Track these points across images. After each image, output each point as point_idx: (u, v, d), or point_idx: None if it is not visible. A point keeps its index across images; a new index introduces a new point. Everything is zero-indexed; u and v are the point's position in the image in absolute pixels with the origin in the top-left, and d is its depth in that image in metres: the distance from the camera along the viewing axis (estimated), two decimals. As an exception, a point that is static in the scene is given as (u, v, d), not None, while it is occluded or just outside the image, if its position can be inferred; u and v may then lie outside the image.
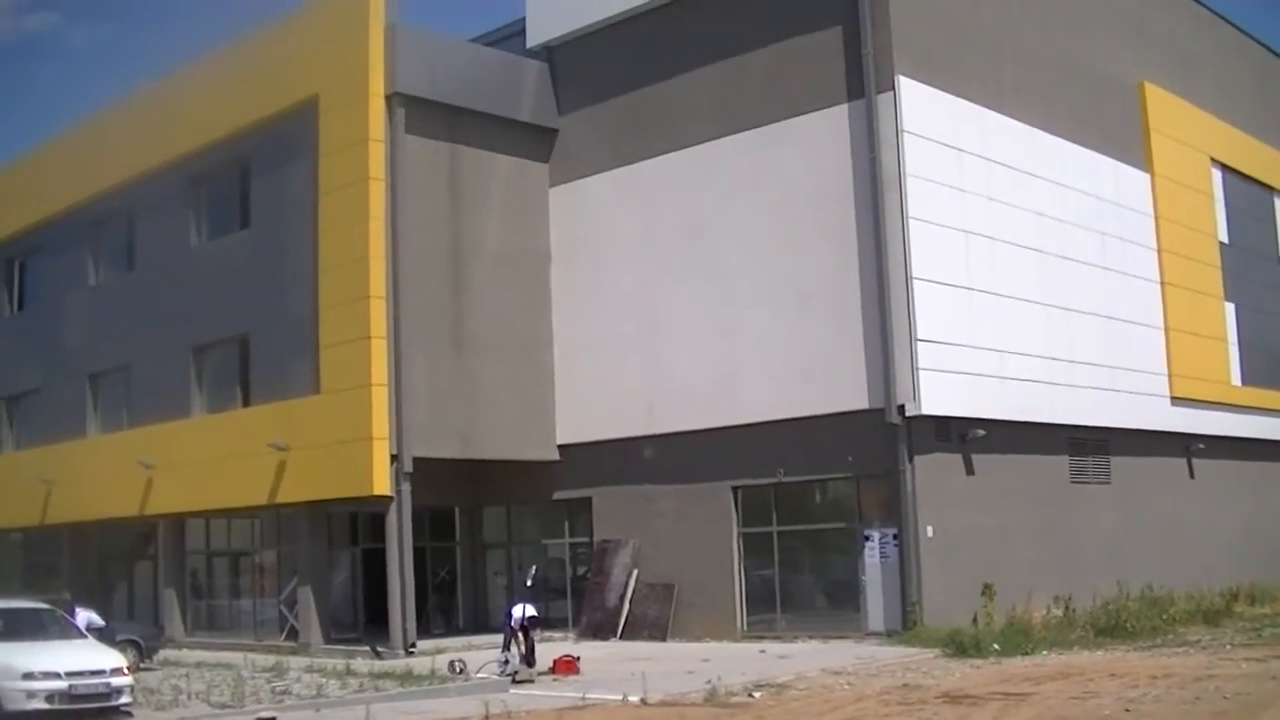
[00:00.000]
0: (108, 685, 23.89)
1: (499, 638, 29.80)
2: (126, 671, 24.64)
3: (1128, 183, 42.01)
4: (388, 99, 35.85)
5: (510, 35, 41.56)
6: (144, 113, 43.49)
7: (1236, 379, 46.50)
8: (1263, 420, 46.96)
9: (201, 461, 39.20)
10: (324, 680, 28.66)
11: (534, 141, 39.69)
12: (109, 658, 24.79)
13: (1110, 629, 32.64)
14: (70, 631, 26.68)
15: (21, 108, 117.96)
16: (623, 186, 38.43)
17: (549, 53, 40.40)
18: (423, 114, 36.54)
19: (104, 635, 29.14)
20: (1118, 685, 23.00)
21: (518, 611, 28.75)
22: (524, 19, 40.97)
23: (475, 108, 38.08)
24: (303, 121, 37.30)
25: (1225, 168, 47.98)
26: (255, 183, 39.64)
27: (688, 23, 37.45)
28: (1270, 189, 51.50)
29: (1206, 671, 24.37)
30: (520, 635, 28.51)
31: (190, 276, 41.38)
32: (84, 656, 24.54)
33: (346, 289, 35.56)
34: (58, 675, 23.51)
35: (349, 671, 30.00)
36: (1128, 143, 42.33)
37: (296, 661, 32.70)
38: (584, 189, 39.23)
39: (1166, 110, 44.21)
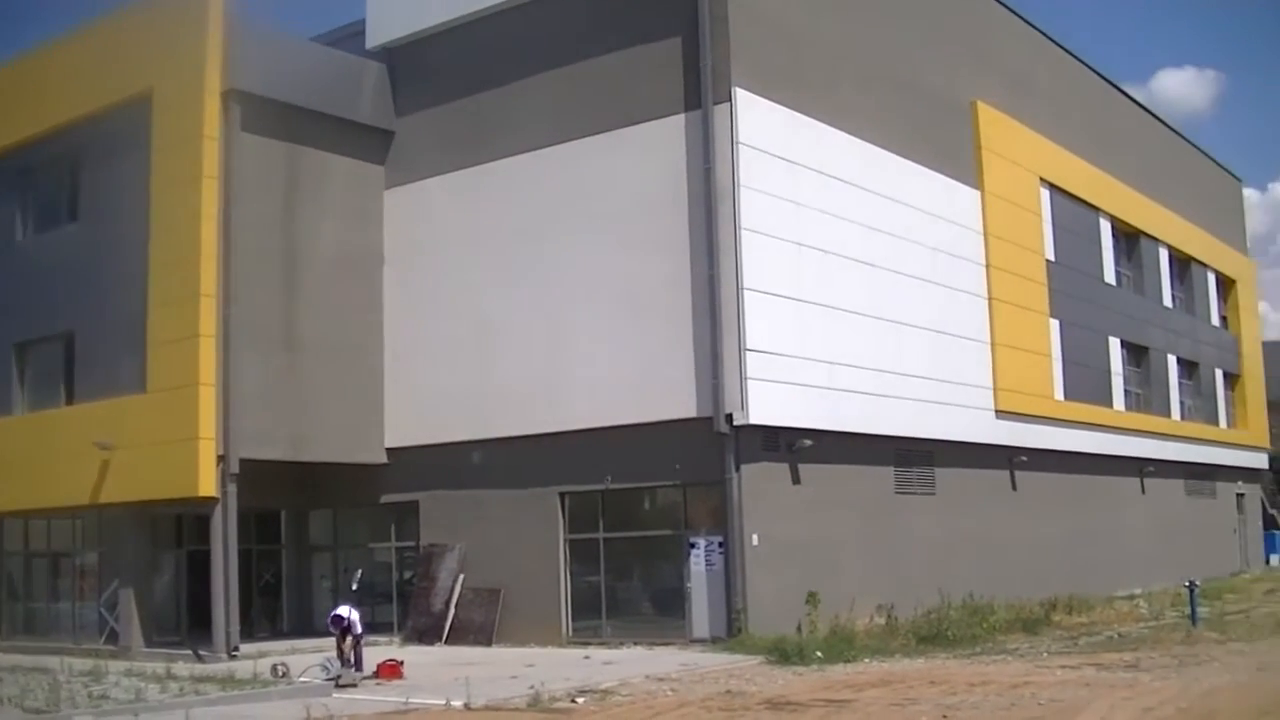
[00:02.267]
0: (-86, 691, 23.41)
1: (324, 641, 29.59)
2: (-64, 676, 24.16)
3: (959, 199, 42.72)
4: (224, 96, 35.39)
5: (350, 35, 41.13)
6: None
7: (1059, 394, 47.45)
8: (1083, 434, 48.01)
9: (22, 460, 38.44)
10: (144, 684, 28.15)
11: (371, 143, 39.48)
12: (-82, 661, 24.27)
13: (932, 637, 33.10)
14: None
15: None
16: (458, 191, 38.29)
17: (388, 54, 40.15)
18: (259, 112, 36.13)
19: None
20: (937, 692, 23.33)
21: (342, 612, 28.63)
22: (364, 20, 40.70)
23: (313, 107, 37.76)
24: (137, 116, 36.67)
25: (1054, 187, 48.99)
26: (86, 177, 38.95)
27: (527, 28, 37.44)
28: (1096, 209, 52.66)
29: (1024, 679, 24.79)
30: (346, 639, 28.38)
31: (15, 271, 40.55)
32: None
33: (177, 287, 35.06)
34: None
35: (170, 675, 29.48)
36: (960, 160, 43.05)
37: (116, 665, 32.10)
38: (420, 192, 39.05)
39: (998, 129, 45.03)
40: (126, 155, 37.19)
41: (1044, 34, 50.20)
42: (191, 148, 35.29)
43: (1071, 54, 52.73)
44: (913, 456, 39.06)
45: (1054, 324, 47.69)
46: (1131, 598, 44.66)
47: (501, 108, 37.72)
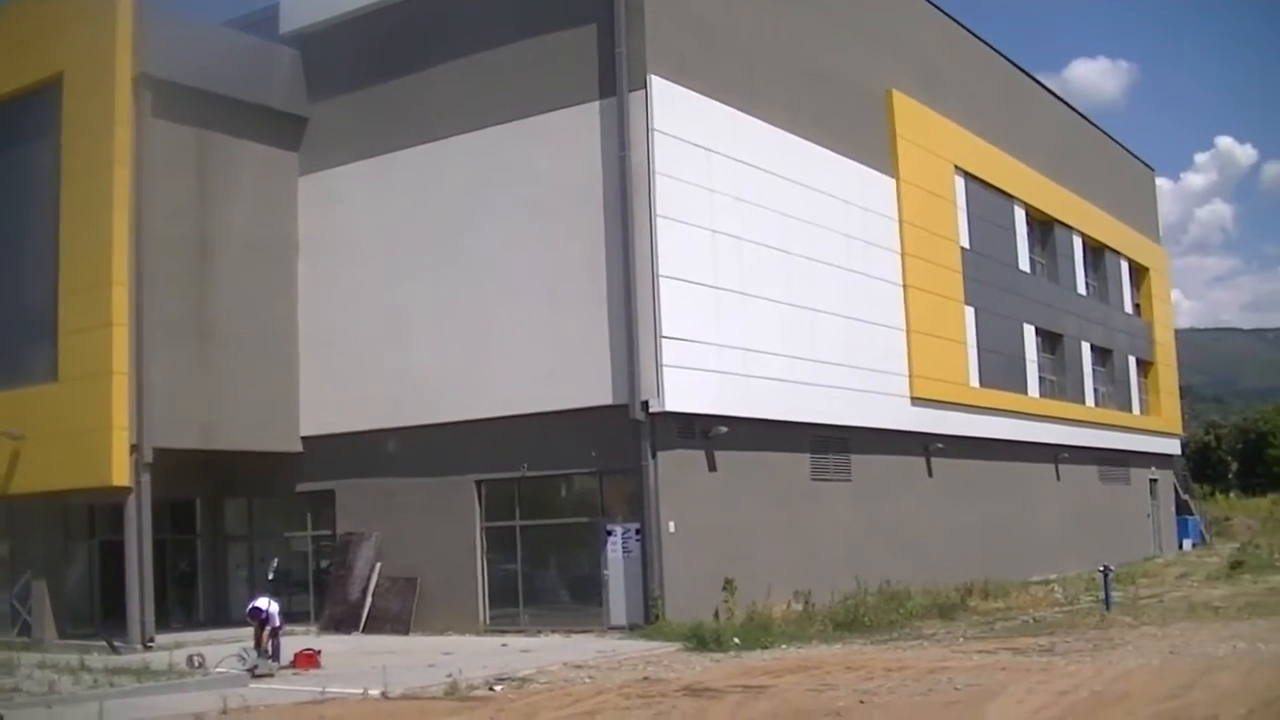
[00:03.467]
0: None
1: (240, 631, 29.40)
2: None
3: (873, 187, 42.91)
4: (134, 81, 34.97)
5: (263, 20, 40.86)
6: None
7: (974, 381, 47.80)
8: (998, 421, 48.42)
9: (-71, 450, 37.90)
10: (57, 676, 27.80)
11: (284, 129, 39.20)
12: None
13: (848, 623, 33.34)
14: None
15: None
16: (372, 178, 38.11)
17: (302, 40, 39.85)
18: (170, 97, 35.73)
19: None
20: (854, 678, 23.49)
21: (261, 604, 28.47)
22: (277, 5, 40.39)
23: (225, 93, 37.39)
24: (46, 101, 36.27)
25: (968, 175, 49.34)
26: (-7, 162, 38.46)
27: (441, 15, 37.31)
28: (1011, 197, 53.06)
29: (940, 664, 25.02)
30: (264, 630, 28.24)
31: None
32: None
33: (88, 275, 34.69)
34: None
35: (84, 667, 29.16)
36: (875, 148, 43.26)
37: (28, 658, 31.67)
38: (333, 179, 38.81)
39: (912, 118, 45.28)
40: (36, 140, 36.74)
41: (959, 23, 50.53)
42: (102, 133, 34.88)
43: (986, 43, 53.13)
44: (828, 443, 39.22)
45: (969, 311, 48.04)
46: (1046, 583, 45.02)
47: (416, 94, 37.55)
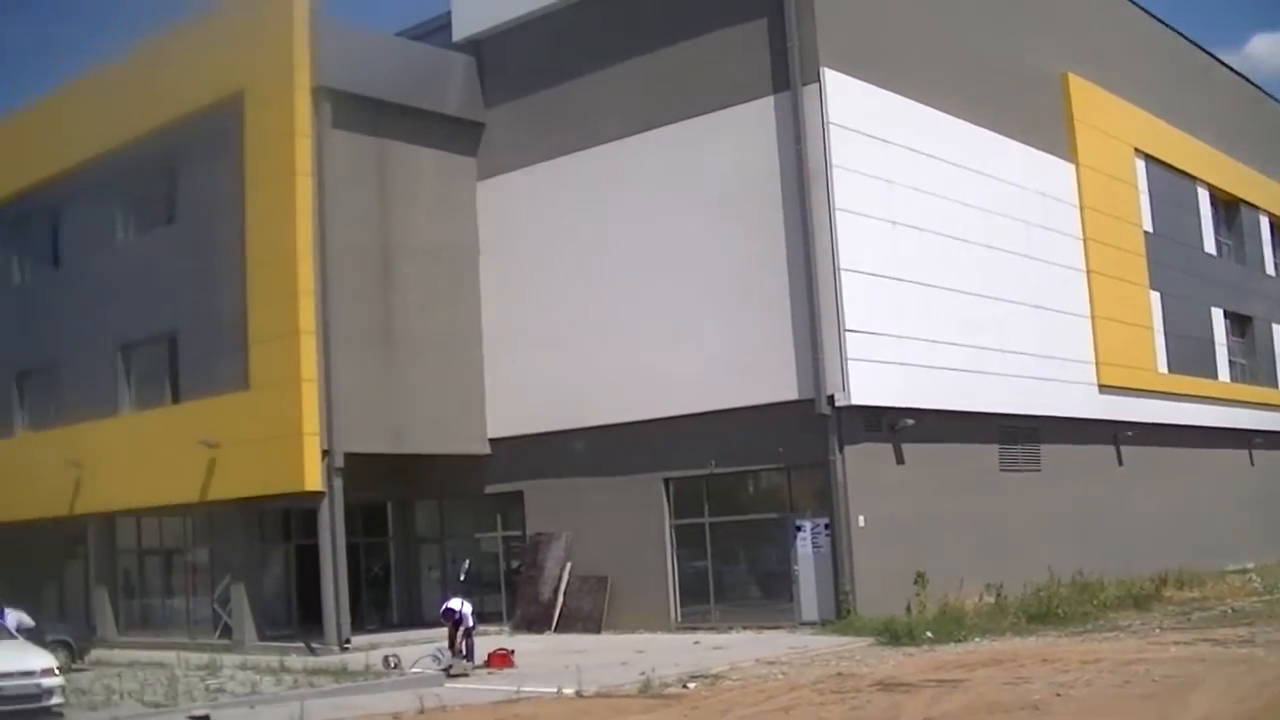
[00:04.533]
0: (38, 686, 23.72)
1: (433, 632, 29.73)
2: (57, 672, 24.50)
3: (1052, 173, 42.35)
4: (314, 93, 35.67)
5: (436, 29, 41.37)
6: (69, 108, 43.07)
7: (1162, 366, 46.96)
8: (1188, 407, 47.45)
9: (131, 459, 38.88)
10: (258, 677, 28.54)
11: (461, 135, 39.65)
12: (39, 658, 24.59)
13: (1041, 615, 32.90)
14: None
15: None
16: (550, 180, 38.37)
17: (475, 46, 40.32)
18: (349, 108, 36.42)
19: (34, 636, 28.91)
20: (1049, 670, 23.22)
21: (454, 604, 28.77)
22: (449, 13, 40.87)
23: (402, 102, 38.01)
24: (229, 116, 37.06)
25: (1148, 157, 48.45)
26: (182, 178, 39.37)
27: (613, 16, 37.53)
28: (1193, 178, 52.02)
29: (1136, 656, 24.65)
30: (457, 630, 28.55)
31: (117, 273, 41.02)
32: (14, 657, 24.33)
33: (275, 285, 35.39)
34: (-13, 677, 23.38)
35: (283, 668, 29.84)
36: (1052, 133, 42.68)
37: (230, 659, 32.51)
38: (512, 182, 39.17)
39: (1090, 101, 44.59)
40: (221, 155, 37.52)
41: (1134, 2, 49.61)
42: (284, 146, 35.58)
43: (1163, 22, 52.02)
44: (1016, 433, 38.77)
45: (1154, 296, 47.18)
46: (1243, 572, 44.13)
47: (589, 96, 37.77)
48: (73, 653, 32.67)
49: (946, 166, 37.07)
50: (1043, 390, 39.56)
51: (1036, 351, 39.55)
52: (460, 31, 40.46)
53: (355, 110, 36.65)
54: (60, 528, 43.81)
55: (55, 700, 23.99)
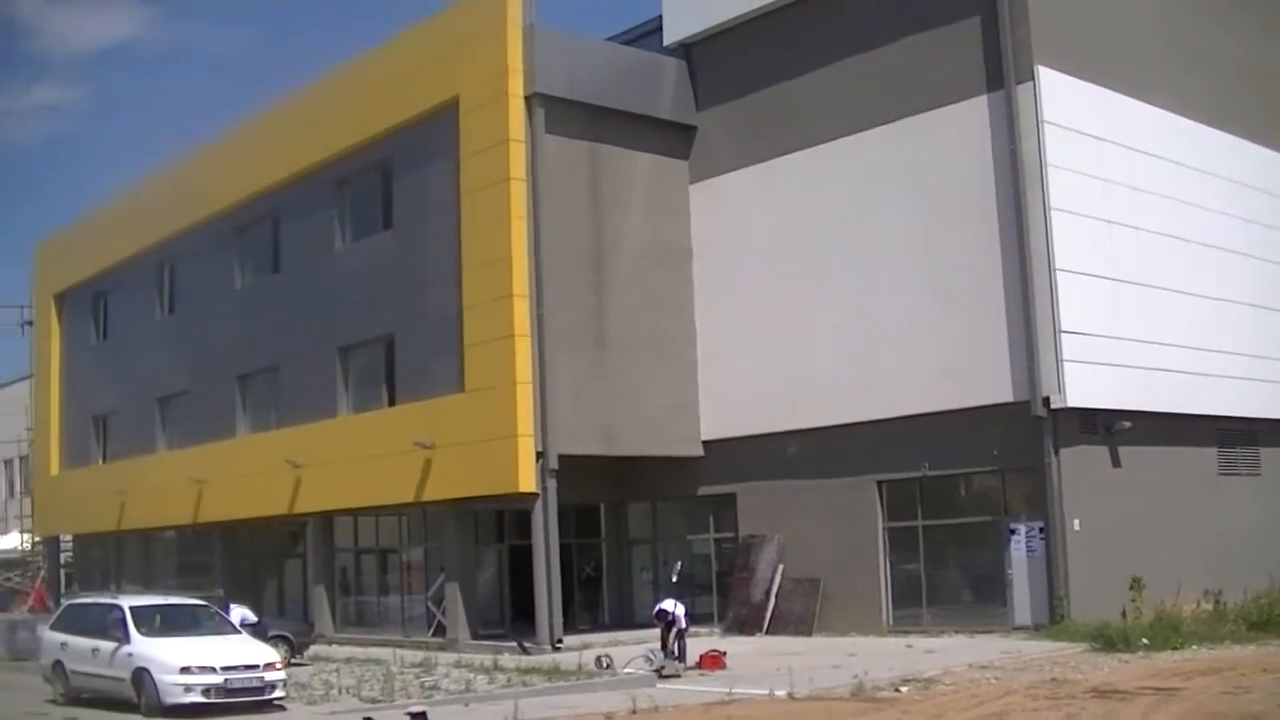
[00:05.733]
0: (261, 680, 24.51)
1: (644, 633, 29.95)
2: (279, 666, 25.22)
3: (1272, 168, 41.33)
4: (527, 99, 36.16)
5: (647, 34, 41.73)
6: (288, 118, 44.32)
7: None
8: None
9: (348, 460, 39.77)
10: (472, 675, 28.96)
11: (673, 139, 39.88)
12: (262, 653, 25.37)
13: (1262, 623, 32.15)
14: (225, 627, 27.33)
15: (168, 115, 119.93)
16: (762, 182, 38.48)
17: (686, 50, 40.53)
18: (562, 114, 36.85)
19: (257, 631, 29.80)
20: (1270, 680, 22.82)
21: (668, 606, 28.96)
22: (660, 17, 41.13)
23: (614, 106, 38.33)
24: (444, 123, 37.77)
25: (1372, 150, 46.98)
26: (398, 184, 40.11)
27: (823, 18, 37.47)
28: None
29: (1360, 665, 24.08)
30: (670, 631, 28.73)
31: (335, 278, 42.03)
32: (238, 651, 25.14)
33: (489, 288, 35.91)
34: (213, 669, 24.19)
35: (496, 667, 30.29)
36: (1271, 127, 41.66)
37: (444, 657, 33.08)
38: (723, 185, 39.34)
39: (1315, 93, 43.40)
40: (436, 161, 38.25)
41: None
42: (498, 151, 36.11)
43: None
44: (1235, 436, 38.00)
45: (1387, 295, 45.70)
46: None
47: (801, 98, 37.79)
48: (293, 648, 33.60)
49: (1165, 164, 36.42)
50: (1263, 392, 38.70)
51: (1257, 353, 38.68)
52: (671, 36, 40.70)
53: (568, 115, 37.05)
54: (280, 526, 45.07)
55: (277, 694, 24.75)
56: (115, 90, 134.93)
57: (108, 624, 26.19)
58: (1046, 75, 33.28)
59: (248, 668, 24.54)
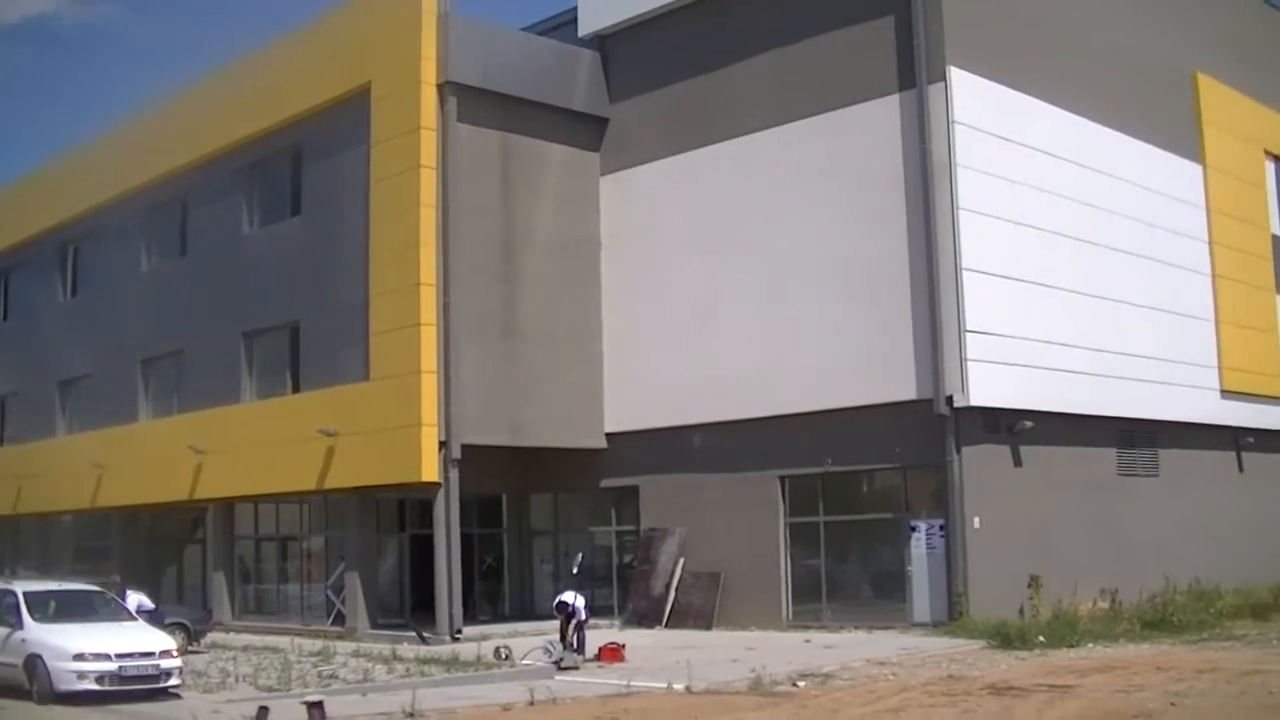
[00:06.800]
0: (157, 667, 24.31)
1: (545, 624, 29.89)
2: (175, 654, 25.04)
3: (1179, 174, 41.82)
4: (440, 87, 36.02)
5: (562, 24, 41.63)
6: (199, 102, 43.82)
7: (1287, 372, 46.16)
8: (1314, 414, 46.59)
9: (251, 447, 39.44)
10: (370, 665, 28.87)
11: (585, 130, 39.81)
12: (158, 640, 25.16)
13: (1157, 622, 32.43)
14: (120, 614, 27.07)
15: (82, 96, 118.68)
16: (674, 175, 38.48)
17: (601, 42, 40.49)
18: (475, 102, 36.68)
19: (153, 618, 29.46)
20: (1163, 679, 22.99)
21: (568, 598, 28.95)
22: (576, 8, 41.07)
23: (527, 96, 38.18)
24: (355, 110, 37.53)
25: (1279, 159, 47.62)
26: (307, 170, 39.86)
27: (740, 12, 37.53)
28: (1325, 182, 51.06)
29: (1254, 666, 24.30)
30: (570, 623, 28.72)
31: (242, 263, 41.67)
32: (134, 638, 24.91)
33: (397, 276, 35.75)
34: (108, 657, 23.94)
35: (395, 657, 30.21)
36: (1180, 134, 42.13)
37: (343, 646, 32.95)
38: (635, 178, 39.31)
39: (1219, 101, 43.97)
40: (346, 149, 37.98)
41: (1267, 0, 48.80)
42: (409, 139, 35.94)
43: (1296, 19, 51.13)
44: (1136, 438, 38.39)
45: (1280, 300, 46.43)
46: (1367, 583, 43.35)
47: (715, 92, 37.81)
48: (190, 635, 33.19)
49: (1071, 167, 36.69)
50: (1164, 394, 39.08)
51: (1158, 355, 39.06)
52: (586, 27, 40.63)
53: (480, 104, 36.88)
54: (181, 513, 44.65)
55: (173, 682, 24.58)
56: (26, 68, 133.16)
57: (1, 610, 25.85)
58: (958, 76, 33.48)
59: (143, 655, 24.32)
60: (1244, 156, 45.20)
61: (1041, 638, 29.63)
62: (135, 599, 31.14)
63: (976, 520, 32.51)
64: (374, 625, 36.72)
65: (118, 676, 23.80)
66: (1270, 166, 47.17)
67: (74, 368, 50.00)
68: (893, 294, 33.61)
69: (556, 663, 27.88)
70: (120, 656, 23.97)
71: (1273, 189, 47.20)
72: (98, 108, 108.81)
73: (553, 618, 30.21)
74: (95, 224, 49.35)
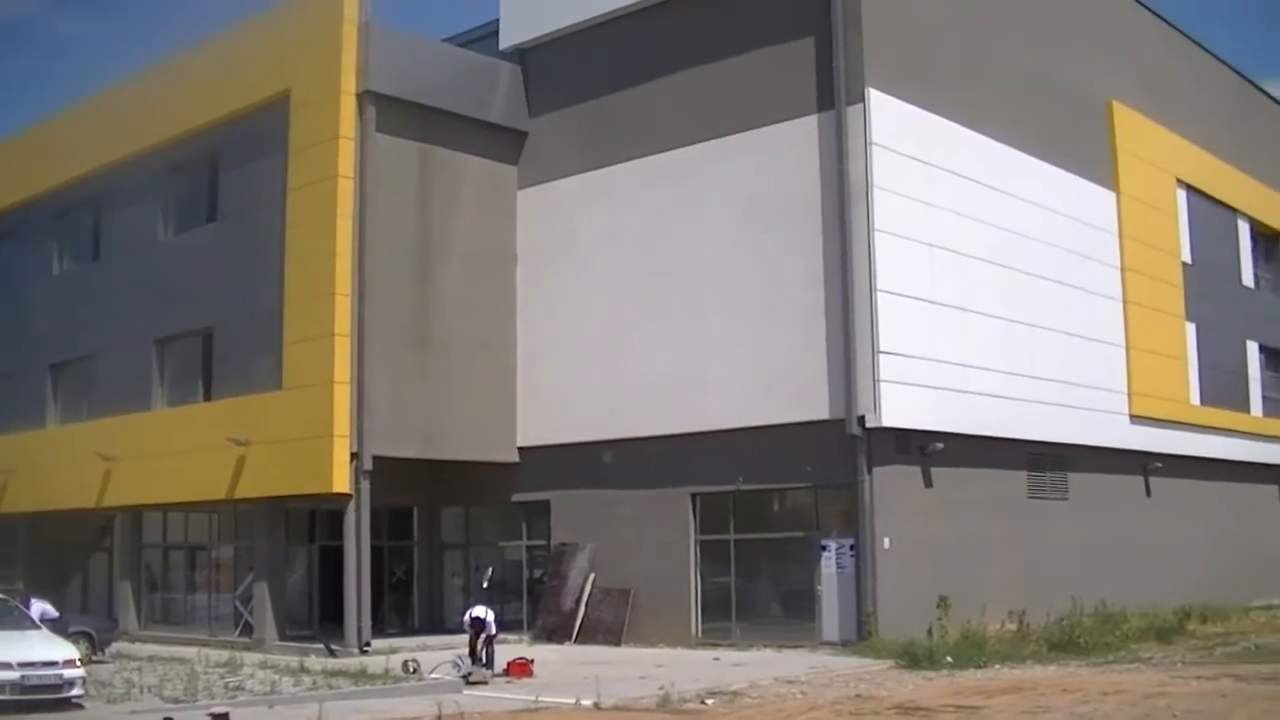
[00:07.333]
0: (60, 677, 23.85)
1: (454, 638, 29.75)
2: (79, 663, 24.61)
3: (1094, 201, 42.24)
4: (359, 97, 35.86)
5: (483, 37, 41.51)
6: (116, 105, 43.40)
7: (1195, 399, 46.73)
8: (1220, 440, 47.19)
9: (161, 455, 39.04)
10: (278, 677, 28.61)
11: (504, 143, 39.73)
12: (62, 649, 24.71)
13: (1064, 644, 32.74)
14: (24, 622, 26.56)
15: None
16: (591, 190, 38.46)
17: (521, 55, 40.45)
18: (394, 113, 36.56)
19: (57, 626, 29.08)
20: (1069, 700, 23.12)
21: (479, 612, 28.85)
22: (497, 21, 41.00)
23: (446, 108, 38.10)
24: (274, 117, 37.30)
25: (1191, 188, 48.28)
26: (224, 177, 39.59)
27: (661, 29, 37.52)
28: (1234, 210, 51.77)
29: (1158, 689, 24.52)
30: (478, 637, 28.62)
31: (155, 269, 41.30)
32: (37, 647, 24.44)
33: (312, 285, 35.52)
34: (10, 666, 23.45)
35: (303, 669, 29.95)
36: (1095, 161, 42.56)
37: (250, 658, 32.62)
38: (552, 192, 39.25)
39: (1134, 130, 44.47)
40: (264, 156, 37.73)
41: (1182, 32, 49.41)
42: (327, 148, 35.78)
43: (1210, 52, 51.75)
44: (1046, 461, 38.68)
45: (1190, 327, 46.95)
46: (1270, 608, 43.90)
47: (634, 108, 37.85)
48: (94, 645, 32.89)
49: (987, 191, 36.99)
50: (1074, 419, 39.44)
51: (1069, 379, 39.43)
52: (507, 40, 40.61)
53: (399, 114, 36.77)
54: (88, 520, 44.05)
55: (76, 691, 24.11)
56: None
57: (-100, 618, 25.46)
58: (877, 98, 33.63)
59: (46, 664, 23.85)
60: (1156, 184, 45.71)
61: (949, 658, 29.78)
62: (39, 607, 30.68)
63: (886, 540, 32.61)
64: (282, 636, 36.43)
65: (20, 686, 23.33)
66: (1181, 194, 47.77)
67: (-20, 371, 49.27)
68: (808, 313, 33.71)
69: (465, 677, 27.78)
70: (23, 665, 23.50)
71: (1184, 217, 47.75)
72: (7, 109, 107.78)
73: (462, 631, 30.06)
74: (6, 226, 48.84)
